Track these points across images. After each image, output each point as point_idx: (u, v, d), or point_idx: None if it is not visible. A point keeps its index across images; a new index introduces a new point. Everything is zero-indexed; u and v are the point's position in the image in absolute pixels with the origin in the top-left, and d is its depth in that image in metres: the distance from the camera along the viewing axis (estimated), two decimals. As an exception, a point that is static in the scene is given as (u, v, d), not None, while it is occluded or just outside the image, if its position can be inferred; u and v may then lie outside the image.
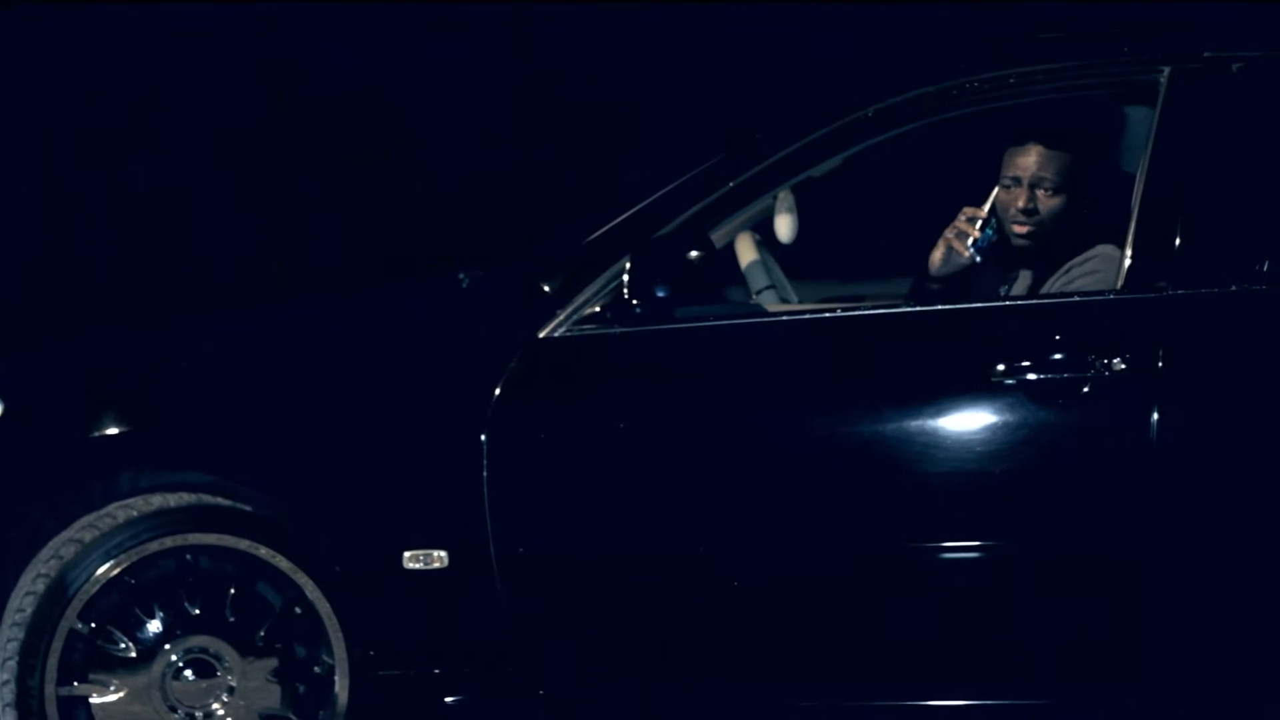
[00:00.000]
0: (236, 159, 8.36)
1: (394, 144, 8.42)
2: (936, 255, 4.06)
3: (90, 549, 3.83)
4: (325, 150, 8.40)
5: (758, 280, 4.23)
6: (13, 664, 3.82)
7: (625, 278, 3.72)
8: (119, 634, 3.86)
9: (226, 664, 3.87)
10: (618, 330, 3.77)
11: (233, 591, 3.86)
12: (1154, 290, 3.64)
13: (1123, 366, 3.58)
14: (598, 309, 3.79)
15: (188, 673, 3.87)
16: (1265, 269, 3.62)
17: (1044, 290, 4.07)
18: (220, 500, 3.84)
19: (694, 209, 3.83)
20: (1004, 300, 4.08)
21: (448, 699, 3.81)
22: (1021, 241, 4.08)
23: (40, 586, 3.82)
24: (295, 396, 3.85)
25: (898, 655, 3.73)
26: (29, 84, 8.24)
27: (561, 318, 3.79)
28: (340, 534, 3.79)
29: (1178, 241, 3.65)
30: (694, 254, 3.73)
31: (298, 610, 3.86)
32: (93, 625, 3.84)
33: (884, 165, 4.08)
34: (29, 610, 3.82)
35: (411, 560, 3.74)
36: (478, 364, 3.78)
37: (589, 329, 3.79)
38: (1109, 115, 4.23)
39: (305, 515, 3.80)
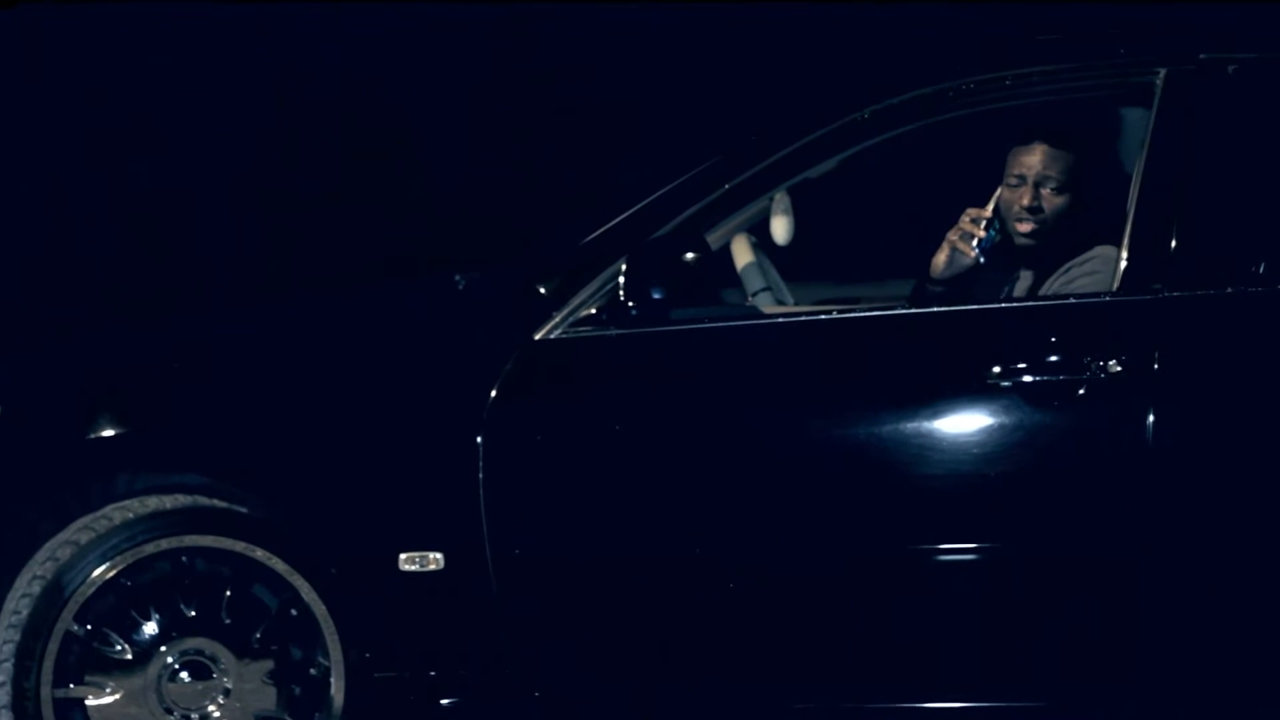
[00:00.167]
0: (234, 159, 8.37)
1: (392, 145, 8.42)
2: (940, 258, 4.06)
3: (86, 551, 3.83)
4: (322, 151, 8.41)
5: (753, 282, 4.23)
6: (8, 666, 3.82)
7: (621, 280, 3.72)
8: (115, 636, 3.86)
9: (222, 666, 3.87)
10: (613, 332, 3.77)
11: (229, 593, 3.87)
12: (1150, 292, 3.63)
13: (1118, 369, 3.58)
14: (594, 311, 3.79)
15: (184, 675, 3.87)
16: (1261, 271, 3.62)
17: (1043, 291, 4.07)
18: (216, 502, 3.84)
19: (690, 211, 3.84)
20: (1000, 302, 4.08)
21: (443, 701, 3.81)
22: (1025, 241, 4.08)
23: (36, 588, 3.82)
24: (291, 398, 3.85)
25: (893, 657, 3.73)
26: (30, 84, 8.25)
27: (557, 320, 3.79)
28: (336, 536, 3.78)
29: (1173, 243, 3.65)
30: (690, 256, 3.72)
31: (294, 612, 3.86)
32: (89, 627, 3.84)
33: (880, 167, 4.08)
34: (25, 612, 3.82)
35: (407, 562, 3.74)
36: (473, 366, 3.78)
37: (585, 331, 3.79)
38: (1105, 117, 4.23)
39: (301, 517, 3.80)
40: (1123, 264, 3.66)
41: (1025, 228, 4.06)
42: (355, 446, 3.78)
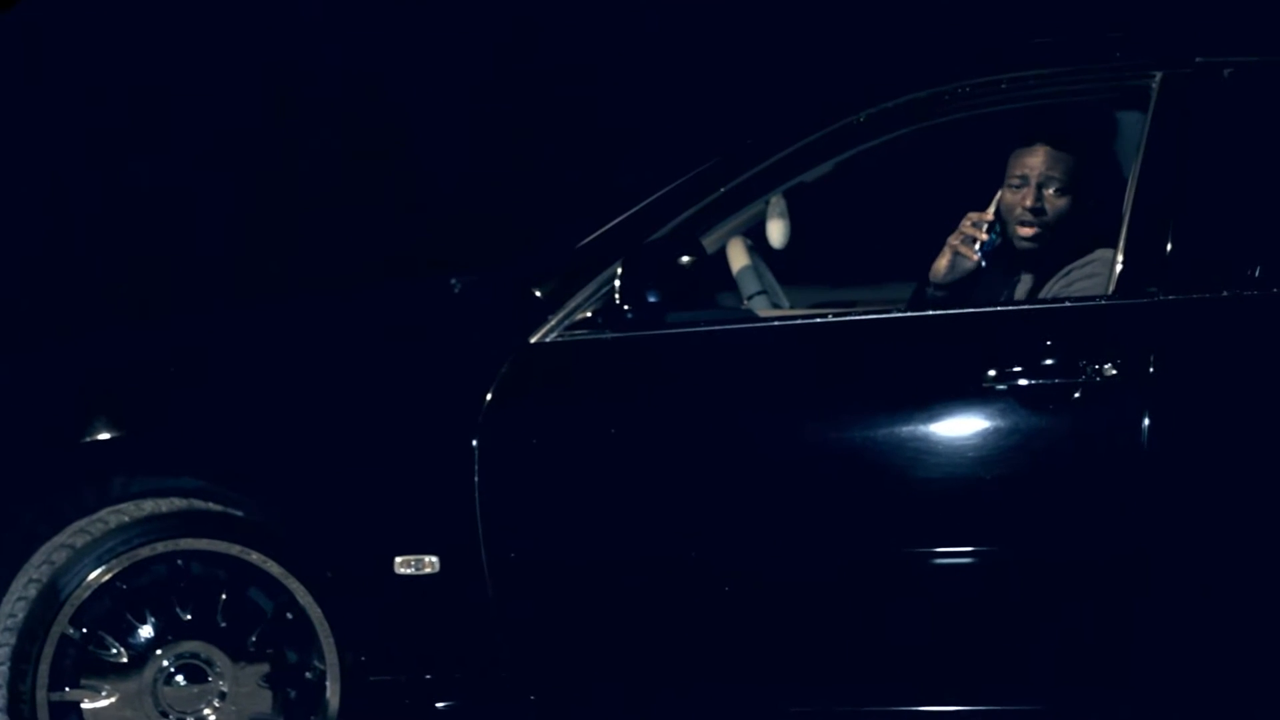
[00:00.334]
0: (232, 159, 8.37)
1: (389, 146, 8.42)
2: (942, 262, 4.05)
3: (82, 554, 3.83)
4: (320, 151, 8.40)
5: (749, 286, 4.23)
6: (4, 669, 3.83)
7: (617, 283, 3.72)
8: (110, 639, 3.86)
9: (218, 669, 3.87)
10: (609, 335, 3.77)
11: (224, 597, 3.87)
12: (1145, 296, 3.63)
13: (1114, 372, 3.58)
14: (589, 314, 3.79)
15: (179, 678, 3.87)
16: (1257, 274, 3.62)
17: (1044, 293, 4.07)
18: (212, 505, 3.84)
19: (686, 214, 3.84)
20: (997, 305, 4.07)
21: (439, 704, 3.81)
22: (1026, 244, 4.08)
23: (32, 591, 3.82)
24: (287, 401, 3.85)
25: (889, 660, 3.73)
26: (29, 84, 8.25)
27: (553, 323, 3.79)
28: (332, 539, 3.79)
29: (1169, 247, 3.65)
30: (686, 259, 3.72)
31: (289, 615, 3.86)
32: (84, 630, 3.85)
33: (876, 170, 4.07)
34: (21, 615, 3.82)
35: (403, 565, 3.75)
36: (469, 368, 3.78)
37: (581, 334, 3.79)
38: (1101, 120, 4.22)
39: (297, 520, 3.80)
40: (1118, 267, 3.66)
41: (1027, 231, 4.06)
42: (351, 449, 3.78)
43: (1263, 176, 3.70)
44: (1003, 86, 3.84)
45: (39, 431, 3.91)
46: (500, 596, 3.74)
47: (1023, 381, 3.60)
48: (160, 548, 3.84)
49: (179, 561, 3.86)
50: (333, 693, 3.87)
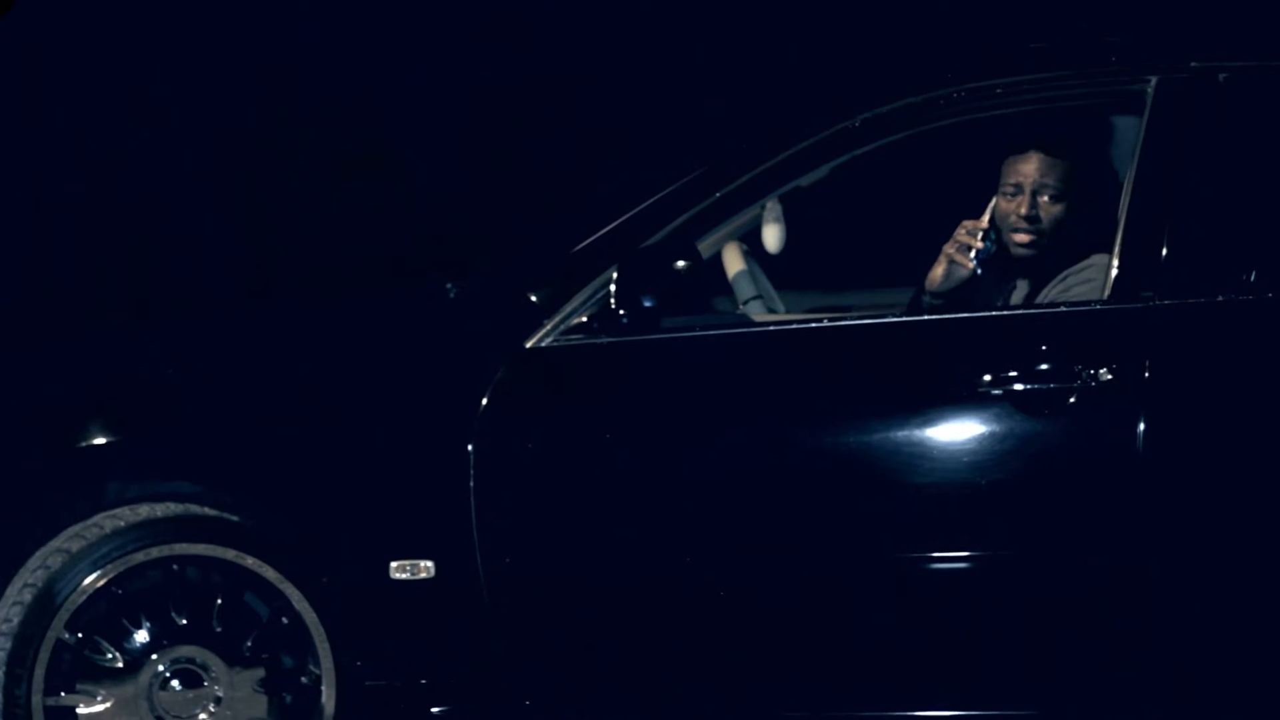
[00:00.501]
0: (225, 167, 8.37)
1: (384, 152, 8.42)
2: (938, 271, 4.04)
3: (77, 559, 3.82)
4: (314, 158, 8.41)
5: (745, 290, 4.23)
6: (0, 674, 3.82)
7: (612, 288, 3.72)
8: (106, 644, 3.85)
9: (213, 674, 3.87)
10: (604, 340, 3.77)
11: (220, 601, 3.86)
12: (1141, 300, 3.64)
13: (1109, 377, 3.58)
14: (585, 319, 3.79)
15: (175, 683, 3.86)
16: (1252, 279, 3.62)
17: (1039, 299, 4.07)
18: (207, 510, 3.84)
19: (681, 219, 3.84)
20: (992, 310, 4.07)
21: (434, 709, 3.81)
22: (1022, 251, 4.07)
23: (27, 597, 3.82)
24: (282, 406, 3.85)
25: (884, 665, 3.73)
26: (18, 90, 8.25)
27: (548, 328, 3.79)
28: (327, 544, 3.78)
29: (1165, 252, 3.65)
30: (681, 264, 3.72)
31: (285, 620, 3.86)
32: (80, 635, 3.84)
33: (872, 175, 4.08)
34: (16, 620, 3.81)
35: (398, 570, 3.74)
36: (465, 374, 3.78)
37: (576, 339, 3.79)
38: (1097, 124, 4.23)
39: (292, 525, 3.80)
40: (1114, 272, 3.66)
41: (1023, 238, 4.06)
42: (346, 454, 3.78)
43: (1258, 181, 3.71)
44: (998, 91, 3.85)
45: (34, 436, 3.90)
46: (495, 601, 3.74)
47: (1018, 386, 3.60)
48: (155, 553, 3.84)
49: (174, 566, 3.86)
50: (328, 697, 3.86)
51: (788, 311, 4.40)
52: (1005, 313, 3.95)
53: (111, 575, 3.83)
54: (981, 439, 3.61)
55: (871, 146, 3.88)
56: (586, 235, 3.91)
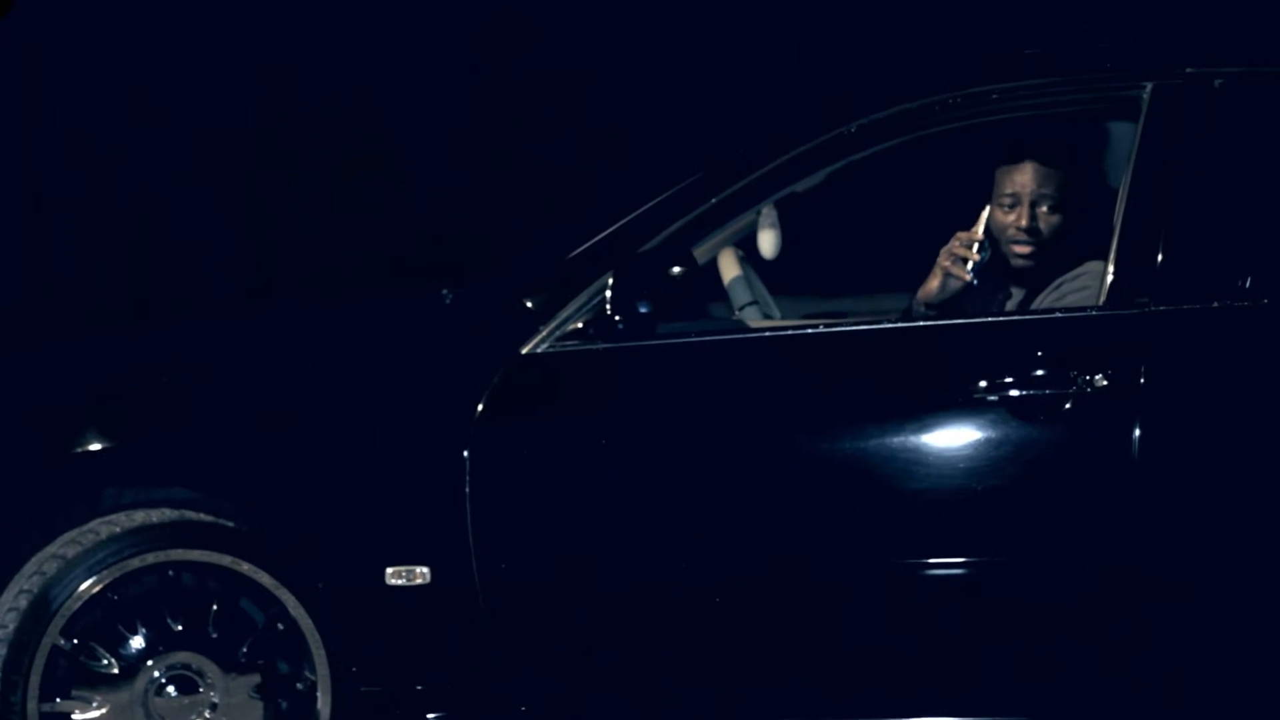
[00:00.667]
0: (222, 169, 8.37)
1: (381, 156, 8.42)
2: (933, 284, 4.03)
3: (73, 565, 3.82)
4: (311, 161, 8.41)
5: (740, 296, 4.23)
6: (-5, 680, 3.83)
7: (608, 294, 3.72)
8: (102, 650, 3.85)
9: (209, 680, 3.86)
10: (600, 346, 3.77)
11: (215, 607, 3.86)
12: (1136, 306, 3.64)
13: (1105, 383, 3.58)
14: (580, 325, 3.79)
15: (170, 689, 3.86)
16: (1248, 285, 3.62)
17: (1033, 307, 4.07)
18: (203, 516, 3.84)
19: (677, 225, 3.83)
20: (986, 317, 4.07)
21: (430, 715, 3.81)
22: (1021, 262, 4.07)
23: (23, 603, 3.81)
24: (278, 412, 3.84)
25: (880, 672, 3.73)
26: (19, 89, 8.25)
27: (544, 334, 3.79)
28: (323, 550, 3.78)
29: (1160, 258, 3.65)
30: (677, 270, 3.73)
31: (280, 626, 3.86)
32: (75, 641, 3.84)
33: (868, 181, 4.07)
34: (11, 626, 3.81)
35: (394, 576, 3.74)
36: (461, 380, 3.78)
37: (572, 345, 3.78)
38: (1092, 131, 4.23)
39: (288, 531, 3.80)
40: (1109, 278, 3.66)
41: (1023, 249, 4.05)
42: (342, 460, 3.77)
43: (1254, 187, 3.71)
44: (994, 97, 3.84)
45: (30, 442, 3.90)
46: (491, 607, 3.74)
47: (1014, 392, 3.60)
48: (151, 558, 3.83)
49: (170, 572, 3.85)
50: (324, 703, 3.86)
51: (783, 317, 4.40)
52: (1001, 319, 3.94)
53: (107, 581, 3.83)
54: (977, 445, 3.61)
55: (868, 152, 3.87)
56: (582, 241, 3.90)
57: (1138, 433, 3.56)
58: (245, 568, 3.83)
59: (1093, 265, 3.95)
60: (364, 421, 3.79)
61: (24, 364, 4.25)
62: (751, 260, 4.28)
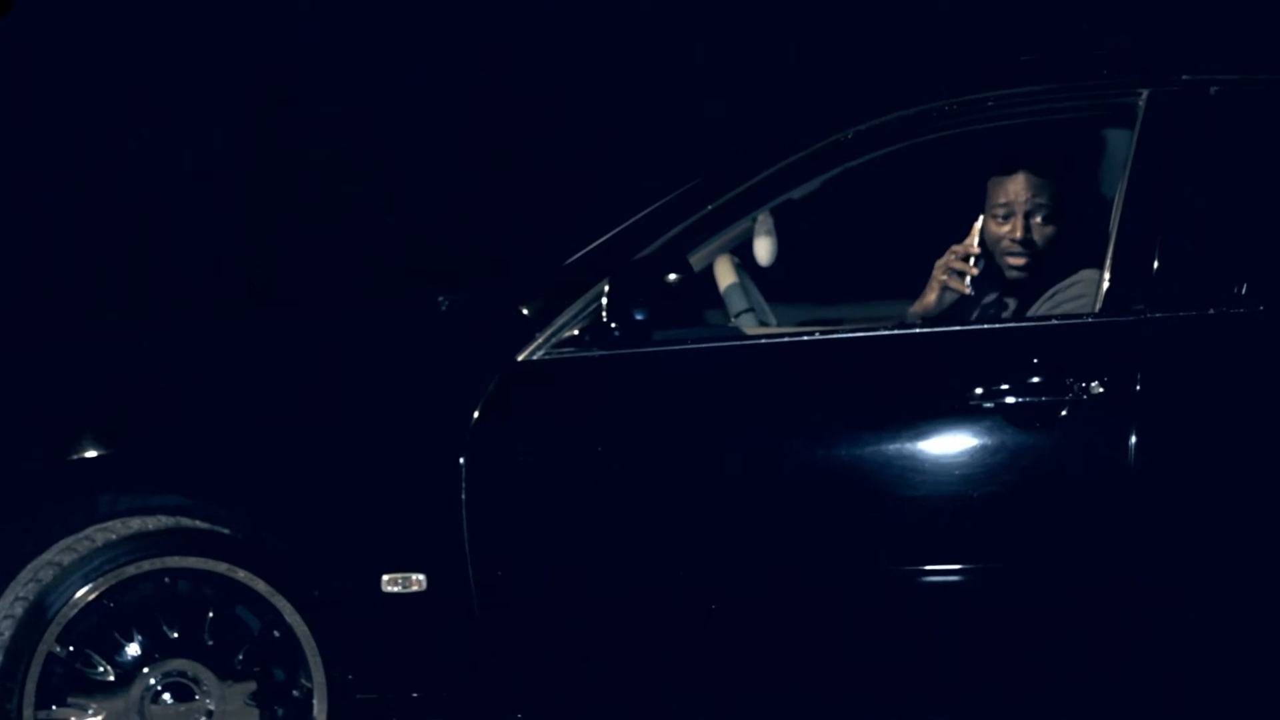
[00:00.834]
0: (219, 178, 8.37)
1: (377, 163, 8.42)
2: (930, 298, 4.03)
3: (69, 572, 3.82)
4: (309, 168, 8.40)
5: (736, 303, 4.22)
6: (-9, 687, 3.83)
7: (604, 301, 3.72)
8: (98, 657, 3.85)
9: (205, 687, 3.87)
10: (596, 353, 3.77)
11: (211, 615, 3.86)
12: (1132, 313, 3.64)
13: (1101, 390, 3.58)
14: (576, 332, 3.79)
15: (166, 696, 3.86)
16: (1243, 292, 3.62)
17: (1028, 315, 4.06)
18: (199, 523, 3.84)
19: (673, 232, 3.84)
20: (984, 324, 4.07)
21: (426, 722, 3.82)
22: (1016, 274, 4.08)
23: (19, 610, 3.82)
24: (274, 419, 3.84)
25: (876, 679, 3.73)
26: (18, 91, 8.25)
27: (540, 341, 3.79)
28: (319, 557, 3.78)
29: (1156, 264, 3.65)
30: (672, 277, 3.72)
31: (276, 633, 3.86)
32: (71, 648, 3.84)
33: (864, 188, 4.07)
34: (7, 634, 3.81)
35: (390, 583, 3.74)
36: (456, 387, 3.78)
37: (568, 352, 3.79)
38: (1087, 137, 4.23)
39: (284, 538, 3.80)
40: (1105, 285, 3.66)
41: (1017, 261, 4.05)
42: (338, 467, 3.77)
43: (1249, 194, 3.71)
44: (989, 104, 3.85)
45: (26, 447, 3.90)
46: (487, 615, 3.74)
47: (1010, 399, 3.60)
48: (147, 565, 3.84)
49: (166, 579, 3.85)
50: (320, 710, 3.86)
51: (779, 324, 4.40)
52: (997, 326, 3.95)
53: (103, 588, 3.83)
54: (973, 452, 3.62)
55: (864, 159, 3.88)
56: (578, 248, 3.91)
57: (1134, 439, 3.56)
58: (241, 575, 3.83)
59: (1087, 273, 3.95)
60: (360, 428, 3.79)
61: (21, 367, 4.24)
62: (747, 267, 4.27)
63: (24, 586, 3.82)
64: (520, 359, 3.78)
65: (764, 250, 4.06)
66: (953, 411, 3.63)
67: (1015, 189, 4.04)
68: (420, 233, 8.19)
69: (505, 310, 3.84)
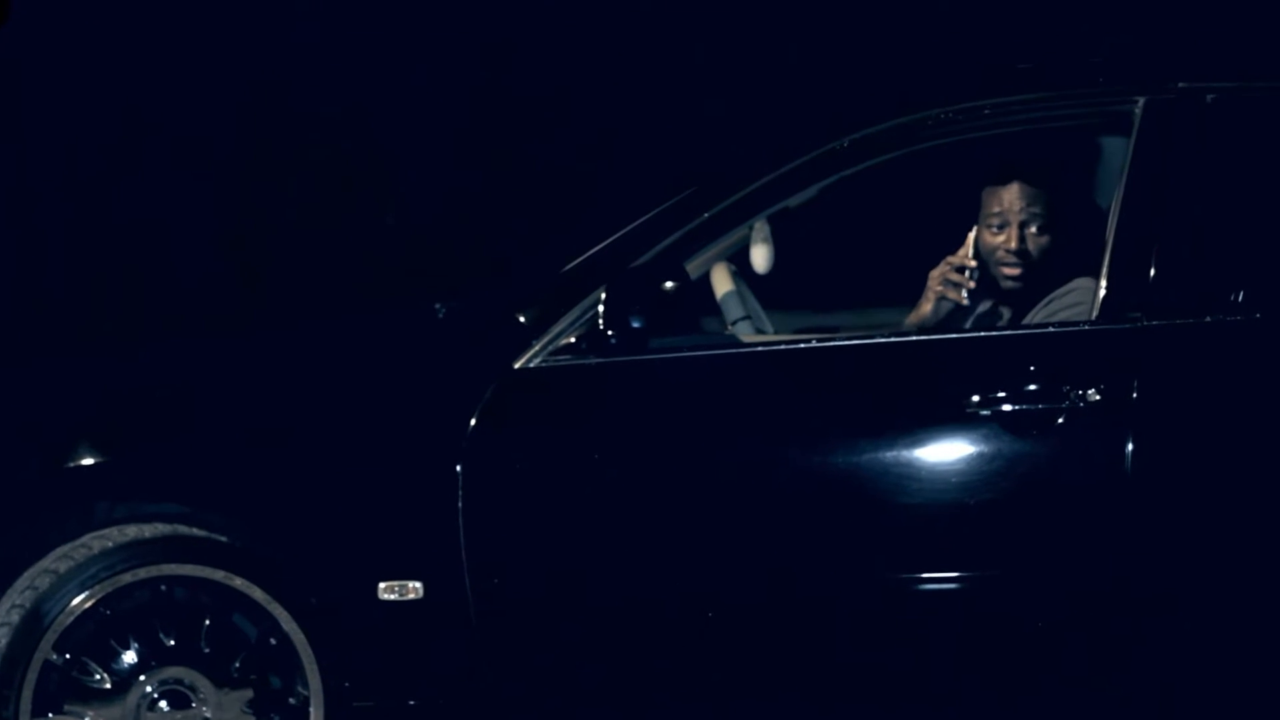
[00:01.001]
0: (214, 186, 8.36)
1: (374, 170, 8.42)
2: (926, 308, 4.04)
3: (65, 579, 3.82)
4: (305, 176, 8.40)
5: (733, 311, 4.23)
6: (-13, 695, 3.83)
7: (601, 308, 3.72)
8: (94, 665, 3.85)
9: (201, 695, 3.86)
10: (593, 361, 3.77)
11: (208, 622, 3.86)
12: (1129, 321, 3.64)
13: (1097, 398, 3.58)
14: (573, 340, 3.79)
15: (163, 704, 3.86)
16: (1240, 299, 3.63)
17: (1025, 323, 4.07)
18: (195, 531, 3.83)
19: (669, 239, 3.83)
20: (979, 331, 4.07)
21: (422, 730, 3.81)
22: (1011, 284, 4.08)
23: (15, 617, 3.81)
24: (271, 426, 3.84)
25: (872, 686, 3.73)
26: (10, 104, 8.25)
27: (537, 348, 3.79)
28: (315, 565, 3.78)
29: (1152, 272, 3.65)
30: (669, 285, 3.73)
31: (273, 641, 3.85)
32: (68, 656, 3.84)
33: (860, 195, 4.08)
34: (4, 641, 3.81)
35: (386, 591, 3.74)
36: (453, 394, 3.78)
37: (564, 360, 3.79)
38: (1083, 145, 4.23)
39: (280, 546, 3.80)
40: (1101, 293, 3.67)
41: (1012, 271, 4.06)
42: (335, 475, 3.77)
43: (1246, 202, 3.71)
44: (986, 112, 3.85)
45: (22, 456, 3.90)
46: (484, 622, 3.74)
47: (1007, 407, 3.60)
48: (143, 573, 3.83)
49: (162, 587, 3.85)
50: (316, 718, 3.86)
51: (776, 332, 4.40)
52: (994, 333, 3.94)
53: (99, 596, 3.83)
54: (970, 460, 3.62)
55: (860, 167, 3.88)
56: (575, 255, 3.91)
57: (1130, 447, 3.56)
58: (238, 582, 3.83)
59: (1083, 281, 3.95)
60: (357, 436, 3.79)
61: (16, 379, 4.24)
62: (744, 275, 4.28)
63: (20, 594, 3.82)
64: (517, 366, 3.78)
65: (761, 258, 4.06)
66: (949, 419, 3.63)
67: (1009, 199, 4.05)
68: (420, 233, 8.19)
69: (502, 317, 3.84)
